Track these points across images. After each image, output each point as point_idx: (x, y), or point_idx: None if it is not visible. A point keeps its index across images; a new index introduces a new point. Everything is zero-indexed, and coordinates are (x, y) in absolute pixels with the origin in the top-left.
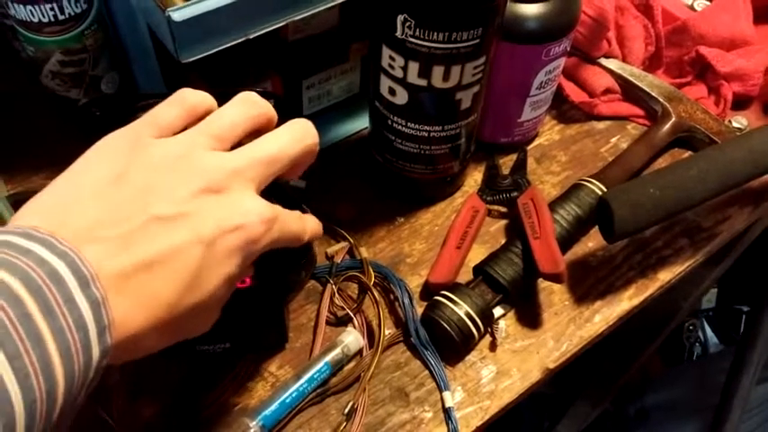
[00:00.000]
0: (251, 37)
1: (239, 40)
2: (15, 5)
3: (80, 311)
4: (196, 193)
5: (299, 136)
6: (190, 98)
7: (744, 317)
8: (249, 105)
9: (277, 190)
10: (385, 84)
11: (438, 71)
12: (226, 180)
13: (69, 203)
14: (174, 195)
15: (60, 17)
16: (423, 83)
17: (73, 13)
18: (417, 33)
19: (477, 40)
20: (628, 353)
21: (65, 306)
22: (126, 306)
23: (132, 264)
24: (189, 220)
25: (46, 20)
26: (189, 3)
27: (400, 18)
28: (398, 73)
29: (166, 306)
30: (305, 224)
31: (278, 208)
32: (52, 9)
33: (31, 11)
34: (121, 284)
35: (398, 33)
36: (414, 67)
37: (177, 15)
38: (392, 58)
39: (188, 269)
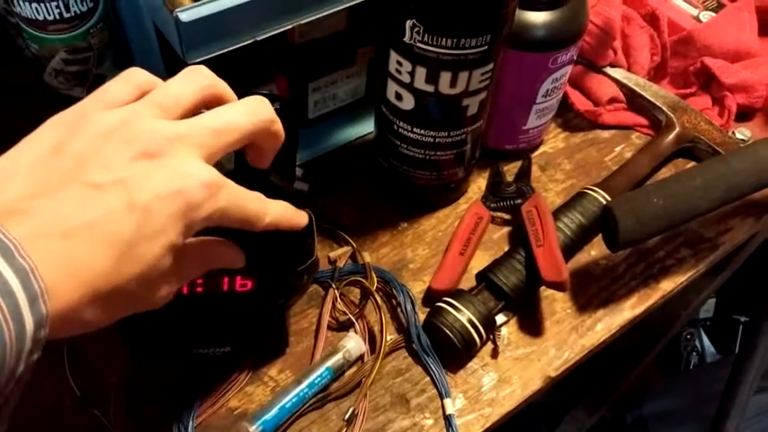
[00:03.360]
0: (259, 39)
1: (247, 42)
2: (21, 3)
3: (5, 279)
4: (133, 158)
5: (251, 110)
6: (140, 76)
7: (741, 327)
8: (197, 77)
9: (279, 193)
10: (392, 88)
11: (445, 77)
12: (166, 144)
13: (3, 177)
14: (110, 162)
15: (66, 15)
16: (430, 88)
17: (79, 12)
18: (426, 39)
19: (486, 47)
20: (626, 361)
21: None
22: (57, 275)
23: (60, 233)
24: (123, 186)
25: (51, 18)
26: (197, 3)
27: (409, 23)
28: (406, 78)
29: (101, 276)
30: (266, 206)
31: (228, 179)
32: (58, 7)
33: (36, 8)
34: (50, 253)
35: (407, 38)
36: (421, 72)
37: (185, 16)
38: (399, 63)
39: (121, 237)
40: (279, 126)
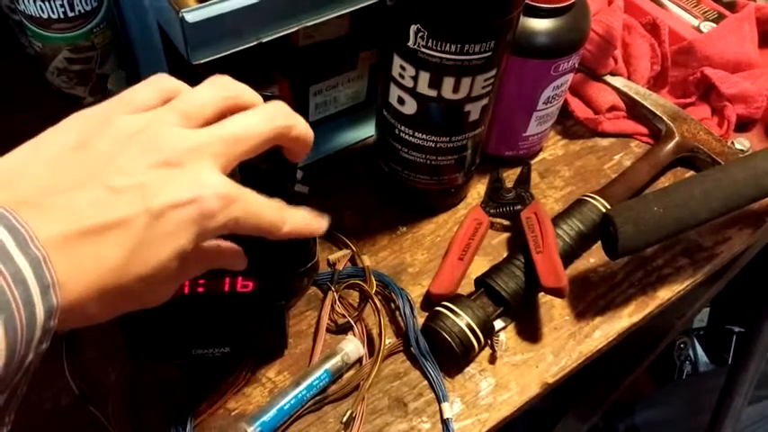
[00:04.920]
0: (263, 41)
1: (251, 44)
2: (25, 0)
3: (18, 267)
4: (153, 165)
5: (269, 116)
6: (166, 82)
7: (734, 337)
8: (220, 87)
9: (280, 196)
10: (394, 93)
11: (448, 82)
12: (185, 154)
13: (23, 168)
14: (129, 167)
15: (70, 14)
16: (432, 93)
17: (83, 11)
18: (430, 44)
19: (489, 53)
20: (620, 369)
21: (0, 261)
22: (68, 269)
23: (76, 229)
24: (140, 191)
25: (55, 16)
26: (203, 4)
27: (413, 28)
28: (408, 83)
29: (110, 274)
30: (283, 215)
31: (245, 189)
32: (62, 5)
33: (41, 6)
34: (64, 248)
35: (410, 43)
36: (424, 77)
37: (191, 17)
38: (403, 68)
39: (133, 238)
40: (300, 130)
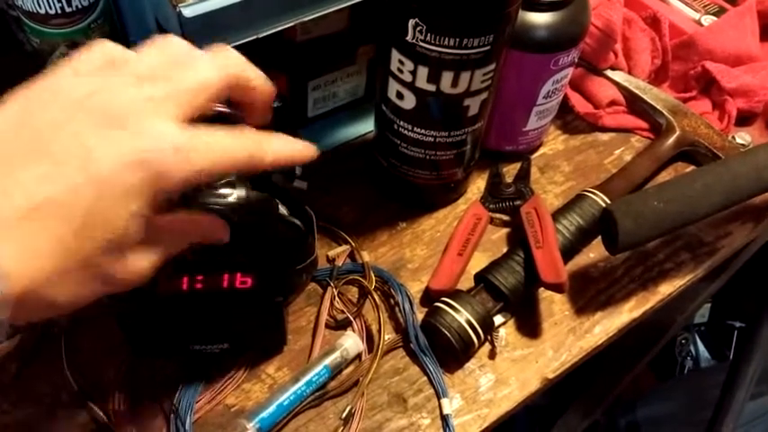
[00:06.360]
0: (260, 36)
1: (248, 39)
2: None
3: None
4: (100, 128)
5: (219, 63)
6: (110, 47)
7: (735, 332)
8: (166, 46)
9: (278, 192)
10: (393, 87)
11: (447, 76)
12: (136, 110)
13: None
14: (77, 133)
15: (68, 9)
16: (431, 88)
17: (80, 6)
18: (428, 38)
19: (488, 47)
20: (621, 365)
21: None
22: (17, 254)
23: (16, 210)
24: (85, 159)
25: (53, 11)
26: None
27: (411, 22)
28: (407, 77)
29: (63, 250)
30: (261, 144)
31: (205, 132)
32: (59, 1)
33: (38, 2)
34: (10, 232)
35: (409, 37)
36: (423, 71)
37: (188, 11)
38: (401, 62)
39: (79, 210)
40: (258, 81)
